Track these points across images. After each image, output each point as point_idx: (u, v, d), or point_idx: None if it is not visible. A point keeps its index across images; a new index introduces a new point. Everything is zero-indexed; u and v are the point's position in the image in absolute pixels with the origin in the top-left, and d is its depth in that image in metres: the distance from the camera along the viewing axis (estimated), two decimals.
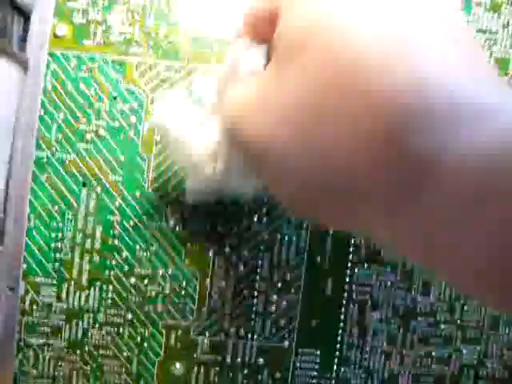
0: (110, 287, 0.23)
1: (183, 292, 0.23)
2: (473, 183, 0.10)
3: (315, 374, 0.23)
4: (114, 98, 0.22)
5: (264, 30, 0.15)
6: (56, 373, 0.23)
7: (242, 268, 0.23)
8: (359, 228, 0.13)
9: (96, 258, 0.23)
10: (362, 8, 0.12)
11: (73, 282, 0.23)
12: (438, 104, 0.11)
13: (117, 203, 0.23)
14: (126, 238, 0.23)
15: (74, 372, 0.23)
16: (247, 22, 0.16)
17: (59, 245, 0.23)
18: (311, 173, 0.12)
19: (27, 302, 0.23)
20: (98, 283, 0.23)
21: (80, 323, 0.23)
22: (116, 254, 0.23)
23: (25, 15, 0.27)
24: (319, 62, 0.11)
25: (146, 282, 0.23)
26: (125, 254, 0.23)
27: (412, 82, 0.11)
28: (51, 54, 0.22)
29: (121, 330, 0.23)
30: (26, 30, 0.23)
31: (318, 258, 0.23)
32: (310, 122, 0.11)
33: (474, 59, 0.12)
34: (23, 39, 0.24)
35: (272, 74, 0.13)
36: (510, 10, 0.23)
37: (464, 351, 0.24)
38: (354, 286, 0.23)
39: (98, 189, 0.23)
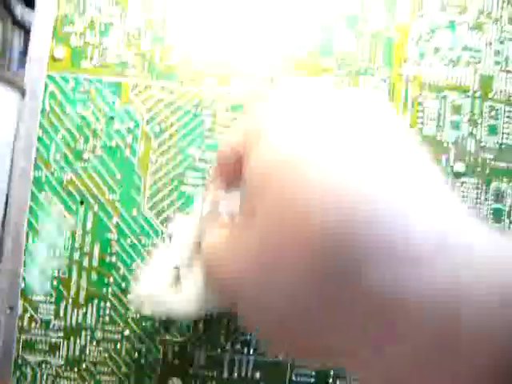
0: (108, 304, 0.23)
1: None
2: (430, 331, 0.11)
3: None
4: (111, 119, 0.23)
5: (234, 175, 0.15)
6: None
7: None
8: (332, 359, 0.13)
9: (94, 276, 0.23)
10: (315, 154, 0.12)
11: (70, 300, 0.23)
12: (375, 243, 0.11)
13: (114, 221, 0.23)
14: (124, 256, 0.23)
15: None
16: (217, 167, 0.17)
17: (57, 263, 0.23)
18: (278, 308, 0.12)
19: (25, 320, 0.23)
20: (96, 300, 0.23)
21: (78, 340, 0.23)
22: (113, 272, 0.23)
23: (25, 29, 0.27)
24: (272, 208, 0.12)
25: None
26: (122, 271, 0.23)
27: (345, 220, 0.11)
28: (49, 77, 0.23)
29: (118, 346, 0.23)
30: (26, 44, 0.24)
31: None
32: (270, 262, 0.12)
33: (423, 196, 0.12)
34: (23, 53, 0.25)
35: (241, 217, 0.14)
36: (493, 28, 0.24)
37: None
38: None
39: (96, 207, 0.23)
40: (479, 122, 0.24)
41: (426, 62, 0.24)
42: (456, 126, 0.24)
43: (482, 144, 0.24)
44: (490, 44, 0.24)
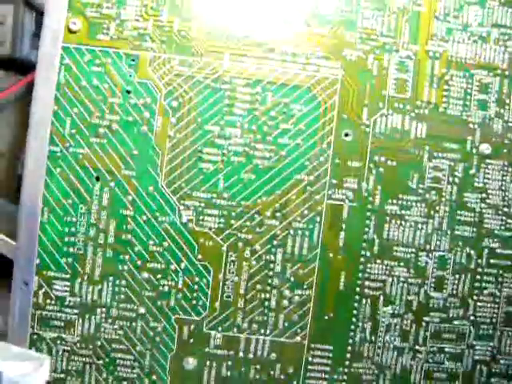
0: (123, 282, 0.23)
1: (196, 287, 0.23)
2: None
3: (327, 369, 0.23)
4: (128, 93, 0.23)
5: None
6: (69, 367, 0.23)
7: (254, 263, 0.23)
8: None
9: (109, 253, 0.23)
10: None
11: (86, 277, 0.23)
12: None
13: (130, 197, 0.23)
14: (139, 233, 0.23)
15: (87, 366, 0.23)
16: None
17: (72, 239, 0.23)
18: None
19: (40, 297, 0.23)
20: (111, 278, 0.23)
21: (93, 317, 0.23)
22: (129, 249, 0.23)
23: (38, 10, 0.27)
24: None
25: (158, 276, 0.23)
26: (138, 248, 0.23)
27: None
28: (65, 49, 0.22)
29: (133, 324, 0.23)
30: (38, 25, 0.23)
31: (331, 254, 0.23)
32: None
33: None
34: (36, 35, 0.24)
35: None
36: None
37: (477, 347, 0.24)
38: (366, 282, 0.23)
39: (112, 183, 0.23)
40: (507, 102, 0.23)
41: (454, 39, 0.23)
42: (483, 106, 0.23)
43: (510, 125, 0.23)
44: None
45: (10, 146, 0.28)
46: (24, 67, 0.27)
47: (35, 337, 0.23)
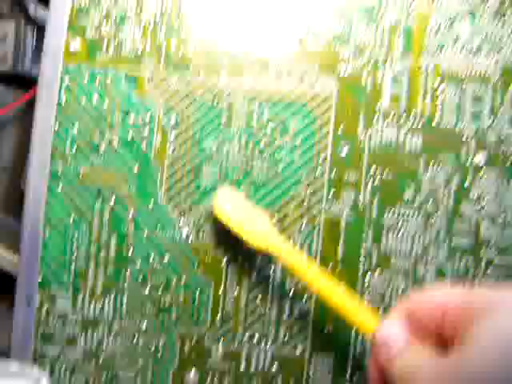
0: (125, 297, 0.23)
1: (197, 301, 0.23)
2: None
3: (329, 381, 0.23)
4: (127, 112, 0.23)
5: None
6: (72, 382, 0.23)
7: (254, 276, 0.23)
8: None
9: (110, 269, 0.23)
10: None
11: (88, 293, 0.23)
12: None
13: (130, 214, 0.23)
14: (140, 249, 0.23)
15: (90, 382, 0.23)
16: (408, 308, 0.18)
17: (74, 256, 0.23)
18: None
19: (43, 313, 0.23)
20: (113, 293, 0.23)
21: (95, 333, 0.23)
22: (130, 265, 0.23)
23: (38, 25, 0.27)
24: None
25: (159, 291, 0.23)
26: (139, 264, 0.23)
27: None
28: (65, 69, 0.23)
29: (135, 339, 0.23)
30: (40, 39, 0.24)
31: (330, 265, 0.23)
32: None
33: None
34: (37, 49, 0.25)
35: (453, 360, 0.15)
36: None
37: None
38: (365, 294, 0.23)
39: (112, 200, 0.23)
40: (500, 112, 0.23)
41: (446, 52, 0.23)
42: (476, 117, 0.23)
43: (503, 136, 0.23)
44: None
45: (13, 161, 0.29)
46: (26, 82, 0.27)
47: (38, 353, 0.23)
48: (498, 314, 0.15)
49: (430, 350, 0.16)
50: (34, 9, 0.28)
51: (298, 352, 0.23)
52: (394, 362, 0.17)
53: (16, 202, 0.27)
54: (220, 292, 0.23)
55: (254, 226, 0.21)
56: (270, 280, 0.23)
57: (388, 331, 0.18)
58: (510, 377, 0.13)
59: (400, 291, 0.23)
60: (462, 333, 0.15)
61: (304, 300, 0.23)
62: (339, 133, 0.23)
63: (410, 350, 0.17)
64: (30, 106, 0.24)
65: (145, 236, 0.23)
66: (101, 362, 0.23)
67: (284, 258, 0.21)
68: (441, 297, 0.17)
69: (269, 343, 0.23)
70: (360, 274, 0.23)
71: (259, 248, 0.21)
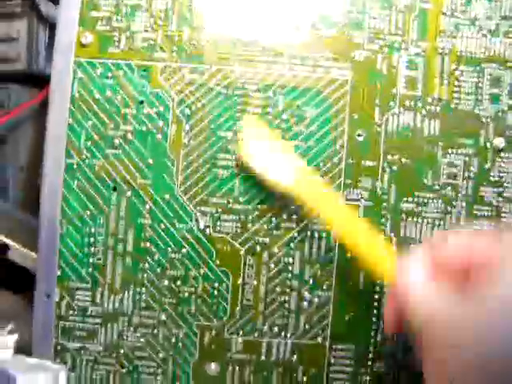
0: (144, 290, 0.23)
1: (216, 292, 0.23)
2: None
3: (350, 369, 0.23)
4: (141, 103, 0.23)
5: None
6: (93, 376, 0.23)
7: (273, 266, 0.23)
8: None
9: (128, 262, 0.23)
10: None
11: (107, 286, 0.23)
12: None
13: (147, 206, 0.23)
14: (158, 241, 0.23)
15: (111, 374, 0.23)
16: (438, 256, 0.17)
17: (92, 249, 0.23)
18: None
19: (63, 307, 0.23)
20: (132, 286, 0.23)
21: (115, 326, 0.23)
22: (148, 257, 0.23)
23: (51, 23, 0.27)
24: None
25: (178, 283, 0.23)
26: (157, 256, 0.23)
27: None
28: (77, 63, 0.23)
29: (155, 331, 0.23)
30: (52, 37, 0.24)
31: (349, 254, 0.23)
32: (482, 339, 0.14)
33: None
34: (50, 47, 0.25)
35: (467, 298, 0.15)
36: None
37: None
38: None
39: (128, 193, 0.23)
40: None
41: (463, 34, 0.23)
42: (495, 99, 0.23)
43: None
44: None
45: (30, 161, 0.29)
46: (40, 80, 0.27)
47: (59, 348, 0.23)
48: None
49: (454, 287, 0.15)
50: (45, 7, 0.28)
51: (318, 341, 0.23)
52: (415, 300, 0.16)
53: (34, 200, 0.27)
54: (239, 283, 0.23)
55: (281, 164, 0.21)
56: (289, 269, 0.23)
57: (409, 267, 0.17)
58: None
59: None
60: (488, 270, 0.15)
61: (323, 288, 0.23)
62: (355, 118, 0.23)
63: (432, 288, 0.16)
64: (45, 105, 0.23)
65: (162, 228, 0.23)
66: (121, 354, 0.23)
67: (311, 194, 0.20)
68: (467, 235, 0.17)
69: (289, 333, 0.23)
70: None
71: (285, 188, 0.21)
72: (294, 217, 0.23)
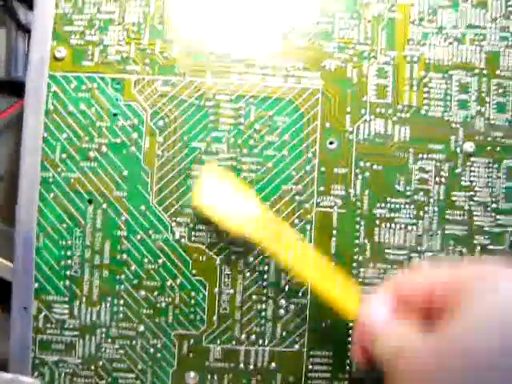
0: (121, 301, 0.23)
1: (192, 301, 0.23)
2: None
3: (328, 375, 0.23)
4: (115, 116, 0.23)
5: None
6: None
7: (248, 274, 0.23)
8: None
9: (105, 273, 0.23)
10: None
11: (84, 298, 0.23)
12: None
13: (123, 218, 0.23)
14: (134, 252, 0.23)
15: None
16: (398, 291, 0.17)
17: (69, 262, 0.23)
18: None
19: (40, 321, 0.23)
20: (109, 298, 0.23)
21: (93, 338, 0.23)
22: (125, 268, 0.23)
23: (29, 31, 0.27)
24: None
25: (155, 293, 0.23)
26: (133, 267, 0.23)
27: None
28: (51, 77, 0.23)
29: (133, 342, 0.23)
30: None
31: (324, 260, 0.23)
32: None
33: None
34: (28, 55, 0.25)
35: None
36: (497, 5, 0.24)
37: None
38: (360, 286, 0.23)
39: (104, 205, 0.23)
40: (487, 100, 0.23)
41: (430, 42, 0.23)
42: (463, 105, 0.23)
43: (491, 122, 0.23)
44: (495, 20, 0.24)
45: (9, 170, 0.29)
46: (19, 89, 0.27)
47: (37, 361, 0.23)
48: (485, 287, 0.14)
49: (416, 324, 0.16)
50: (24, 15, 0.28)
51: (295, 348, 0.23)
52: (378, 338, 0.16)
53: (13, 211, 0.27)
54: (215, 292, 0.23)
55: (241, 211, 0.21)
56: (265, 277, 0.23)
57: (372, 306, 0.17)
58: (492, 346, 0.13)
59: None
60: (450, 307, 0.15)
61: (299, 296, 0.23)
62: (327, 127, 0.23)
63: (395, 325, 0.16)
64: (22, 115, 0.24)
65: (138, 239, 0.23)
66: (100, 367, 0.23)
67: (271, 242, 0.21)
68: (428, 272, 0.17)
69: (266, 340, 0.23)
70: (354, 267, 0.23)
71: (243, 233, 0.21)
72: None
